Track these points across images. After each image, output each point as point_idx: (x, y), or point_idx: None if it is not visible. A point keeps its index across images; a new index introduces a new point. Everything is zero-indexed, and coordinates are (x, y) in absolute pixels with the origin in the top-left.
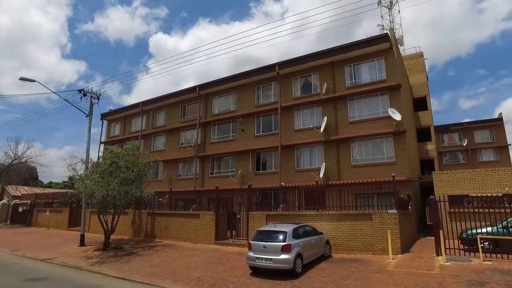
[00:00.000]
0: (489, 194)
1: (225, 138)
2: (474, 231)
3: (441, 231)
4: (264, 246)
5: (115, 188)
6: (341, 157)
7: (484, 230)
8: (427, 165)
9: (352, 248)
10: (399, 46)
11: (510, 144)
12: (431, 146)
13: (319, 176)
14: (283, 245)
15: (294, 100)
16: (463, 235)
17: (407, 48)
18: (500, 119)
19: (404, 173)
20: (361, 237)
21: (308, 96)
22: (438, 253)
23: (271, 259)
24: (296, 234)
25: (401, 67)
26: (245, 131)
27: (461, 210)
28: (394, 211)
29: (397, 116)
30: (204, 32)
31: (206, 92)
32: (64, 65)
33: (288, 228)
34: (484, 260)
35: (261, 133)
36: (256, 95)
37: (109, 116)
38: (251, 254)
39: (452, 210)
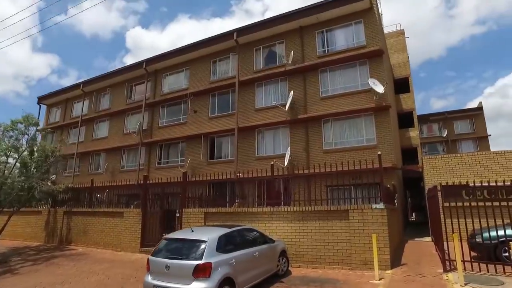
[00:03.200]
0: (498, 183)
1: (175, 121)
2: (495, 233)
3: (455, 235)
4: (167, 267)
5: None
6: (311, 141)
7: (508, 231)
8: (408, 155)
9: (321, 261)
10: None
11: (490, 135)
12: (413, 133)
13: (284, 164)
14: (197, 265)
15: (255, 73)
16: (476, 239)
17: (386, 26)
18: (480, 108)
19: (388, 158)
20: (334, 244)
21: (272, 68)
22: (446, 268)
23: None
24: (225, 245)
25: (383, 34)
26: (197, 112)
27: (459, 203)
28: (381, 205)
29: (379, 88)
30: (184, 28)
31: (155, 68)
32: (34, 58)
33: (211, 234)
34: None
35: (215, 114)
36: (211, 69)
37: (48, 100)
38: (148, 279)
39: (447, 203)
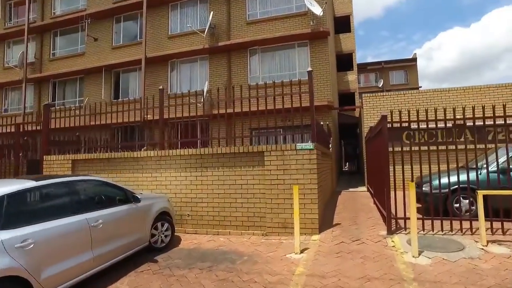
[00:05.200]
0: (443, 125)
1: (71, 52)
2: (444, 180)
3: (411, 184)
4: None
5: None
6: (234, 74)
7: (455, 177)
8: (345, 101)
9: (225, 224)
10: None
11: (421, 87)
12: (352, 77)
13: (201, 103)
14: None
15: None
16: (423, 188)
17: None
18: (414, 59)
19: (324, 96)
20: (243, 200)
21: None
22: (391, 229)
23: None
24: (11, 215)
25: None
26: (98, 41)
27: (401, 148)
28: (310, 145)
29: (317, 9)
30: None
31: None
32: None
33: None
34: (488, 243)
35: (121, 43)
36: None
37: None
38: None
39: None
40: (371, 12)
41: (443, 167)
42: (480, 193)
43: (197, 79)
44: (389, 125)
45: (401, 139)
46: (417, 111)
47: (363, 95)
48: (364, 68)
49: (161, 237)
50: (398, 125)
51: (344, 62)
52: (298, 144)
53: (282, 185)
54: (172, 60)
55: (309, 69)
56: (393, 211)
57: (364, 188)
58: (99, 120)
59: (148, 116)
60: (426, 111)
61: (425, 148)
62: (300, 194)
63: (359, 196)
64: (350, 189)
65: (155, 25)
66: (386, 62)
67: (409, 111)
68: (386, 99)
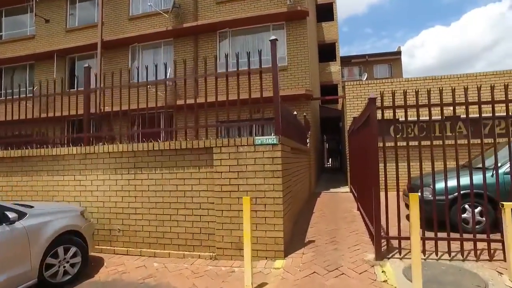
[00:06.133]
0: (431, 118)
1: (19, 34)
2: (450, 183)
3: (413, 196)
4: None
5: None
6: (202, 60)
7: (465, 180)
8: (328, 94)
9: (164, 242)
10: None
11: None
12: (335, 68)
13: (163, 92)
14: None
15: None
16: (423, 193)
17: None
18: (398, 53)
19: (302, 84)
20: (186, 211)
21: None
22: (380, 253)
23: None
24: None
25: None
26: (50, 22)
27: (390, 143)
28: (272, 139)
29: None
30: None
31: None
32: None
33: None
34: None
35: (76, 25)
36: None
37: None
38: None
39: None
40: (356, 8)
41: (440, 164)
42: (508, 207)
43: (162, 66)
44: (378, 114)
45: (388, 133)
46: (417, 92)
47: (346, 83)
48: (348, 61)
49: (64, 267)
50: (391, 111)
51: (327, 52)
52: (257, 138)
53: (236, 193)
54: (133, 44)
55: (273, 37)
56: (382, 221)
57: (346, 189)
58: (46, 112)
59: (106, 107)
60: (428, 92)
61: (426, 142)
62: (259, 205)
63: (341, 199)
64: (331, 190)
65: (114, 5)
66: (370, 55)
67: (405, 92)
68: (371, 88)
